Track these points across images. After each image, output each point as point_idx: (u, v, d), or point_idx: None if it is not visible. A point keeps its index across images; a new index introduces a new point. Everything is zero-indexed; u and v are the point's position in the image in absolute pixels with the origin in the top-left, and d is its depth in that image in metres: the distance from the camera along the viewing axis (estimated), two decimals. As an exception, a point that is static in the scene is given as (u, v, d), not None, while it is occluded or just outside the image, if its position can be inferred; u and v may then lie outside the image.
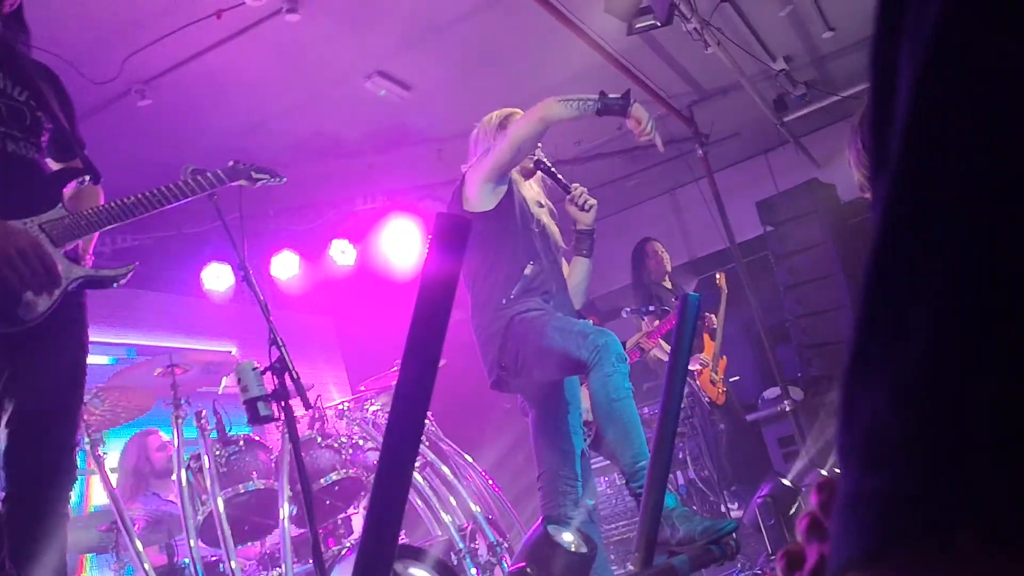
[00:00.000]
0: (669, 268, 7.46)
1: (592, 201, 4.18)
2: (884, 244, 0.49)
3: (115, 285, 3.04)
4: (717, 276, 7.57)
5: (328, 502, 4.80)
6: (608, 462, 7.06)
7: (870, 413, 0.47)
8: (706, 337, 7.36)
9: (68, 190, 3.01)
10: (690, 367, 6.81)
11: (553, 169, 4.22)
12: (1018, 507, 0.41)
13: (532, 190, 4.25)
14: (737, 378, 8.27)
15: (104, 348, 6.78)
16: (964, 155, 0.46)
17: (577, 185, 4.22)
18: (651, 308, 6.84)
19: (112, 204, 3.02)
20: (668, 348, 6.15)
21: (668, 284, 7.35)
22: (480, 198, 3.98)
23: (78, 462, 2.94)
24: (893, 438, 0.45)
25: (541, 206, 4.25)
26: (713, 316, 7.40)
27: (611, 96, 3.82)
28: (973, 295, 0.44)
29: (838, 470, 0.50)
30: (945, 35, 0.48)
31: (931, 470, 0.43)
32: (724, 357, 7.48)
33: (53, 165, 3.11)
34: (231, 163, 3.49)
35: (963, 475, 0.42)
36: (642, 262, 7.48)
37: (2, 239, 2.61)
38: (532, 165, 4.19)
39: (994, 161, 0.45)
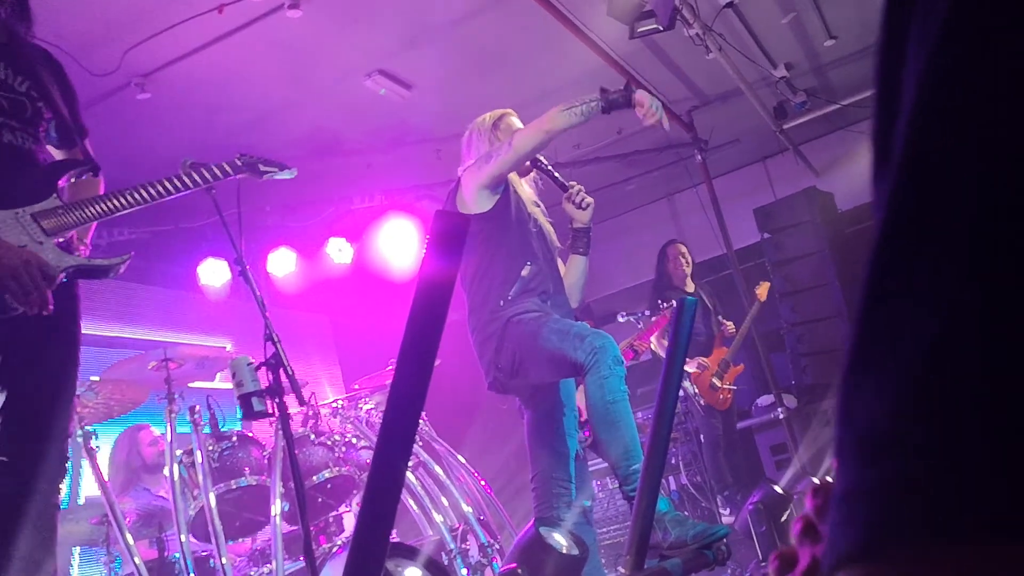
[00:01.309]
0: (689, 271, 7.45)
1: (589, 199, 4.19)
2: (885, 242, 0.49)
3: (110, 276, 3.02)
4: (758, 286, 7.56)
5: (320, 500, 4.80)
6: (605, 465, 7.07)
7: (868, 409, 0.47)
8: (717, 343, 7.36)
9: (65, 180, 2.99)
10: (687, 368, 6.81)
11: (550, 168, 4.22)
12: (1015, 501, 0.41)
13: (526, 190, 4.25)
14: (740, 387, 8.30)
15: (99, 341, 6.76)
16: (968, 153, 0.46)
17: (574, 183, 4.23)
18: (646, 312, 6.85)
19: (109, 196, 3.00)
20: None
21: (690, 287, 7.34)
22: (476, 201, 3.98)
23: (69, 454, 2.92)
24: (891, 434, 0.45)
25: (536, 205, 4.25)
26: (730, 324, 7.39)
27: (612, 91, 3.83)
28: (974, 293, 0.44)
29: (833, 470, 0.50)
30: (951, 34, 0.48)
31: (928, 465, 0.43)
32: (741, 365, 7.47)
33: (56, 154, 3.09)
34: (238, 157, 3.47)
35: (960, 470, 0.42)
36: (663, 265, 7.50)
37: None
38: (529, 164, 4.18)
39: (999, 160, 0.45)
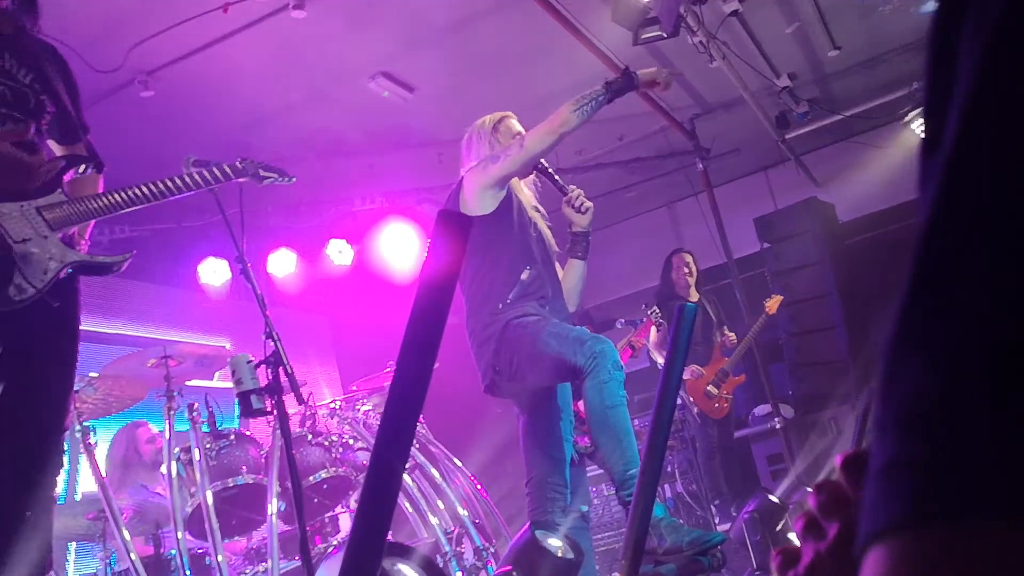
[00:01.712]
0: (693, 281, 7.46)
1: (588, 204, 4.18)
2: (936, 220, 0.49)
3: (112, 272, 3.03)
4: (770, 299, 7.57)
5: (316, 500, 4.80)
6: (602, 472, 7.08)
7: (912, 384, 0.47)
8: (716, 352, 7.37)
9: (69, 176, 3.00)
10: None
11: (551, 171, 4.22)
12: None
13: (526, 193, 4.25)
14: (733, 396, 8.30)
15: (98, 337, 6.77)
16: (1018, 153, 0.46)
17: (574, 187, 4.22)
18: (643, 320, 6.86)
19: (113, 193, 3.01)
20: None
21: (693, 296, 7.36)
22: (479, 203, 3.97)
23: (66, 447, 2.92)
24: (934, 409, 0.46)
25: (537, 210, 4.25)
26: (732, 335, 7.40)
27: (614, 82, 3.86)
28: (1015, 288, 0.44)
29: (870, 442, 0.50)
30: (1014, 15, 0.48)
31: (971, 442, 0.44)
32: (742, 375, 7.48)
33: (56, 148, 3.09)
34: (239, 160, 3.46)
35: (1005, 448, 0.43)
36: (667, 273, 7.53)
37: None
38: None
39: None
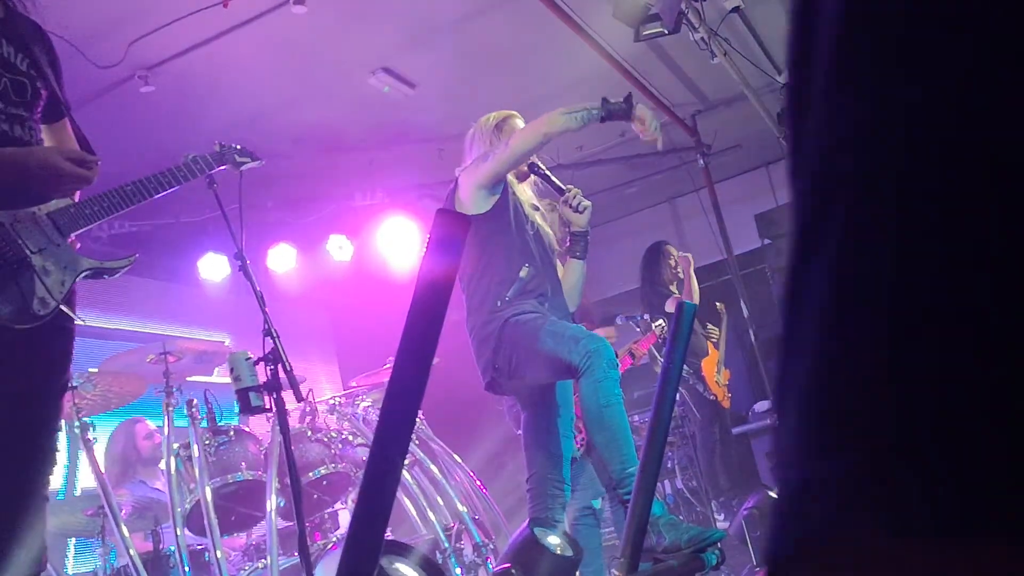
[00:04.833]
0: (681, 274, 7.44)
1: (586, 203, 4.17)
2: (788, 263, 0.51)
3: (116, 276, 3.01)
4: (718, 305, 7.59)
5: (315, 496, 4.80)
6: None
7: (784, 433, 0.49)
8: (709, 345, 7.37)
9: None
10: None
11: (547, 172, 4.21)
12: (966, 498, 0.41)
13: (525, 193, 4.25)
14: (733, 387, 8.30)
15: (97, 332, 6.77)
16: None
17: (571, 187, 4.22)
18: (645, 316, 6.83)
19: (112, 193, 2.98)
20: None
21: (675, 290, 7.33)
22: (474, 202, 3.97)
23: (59, 445, 2.90)
24: (789, 458, 0.47)
25: (536, 209, 4.24)
26: (715, 329, 7.41)
27: (613, 101, 3.82)
28: (910, 278, 0.44)
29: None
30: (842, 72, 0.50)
31: (879, 460, 0.44)
32: (728, 370, 7.49)
33: (44, 132, 3.02)
34: (217, 145, 3.47)
35: (909, 465, 0.42)
36: (656, 263, 7.41)
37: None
38: (526, 168, 4.18)
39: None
